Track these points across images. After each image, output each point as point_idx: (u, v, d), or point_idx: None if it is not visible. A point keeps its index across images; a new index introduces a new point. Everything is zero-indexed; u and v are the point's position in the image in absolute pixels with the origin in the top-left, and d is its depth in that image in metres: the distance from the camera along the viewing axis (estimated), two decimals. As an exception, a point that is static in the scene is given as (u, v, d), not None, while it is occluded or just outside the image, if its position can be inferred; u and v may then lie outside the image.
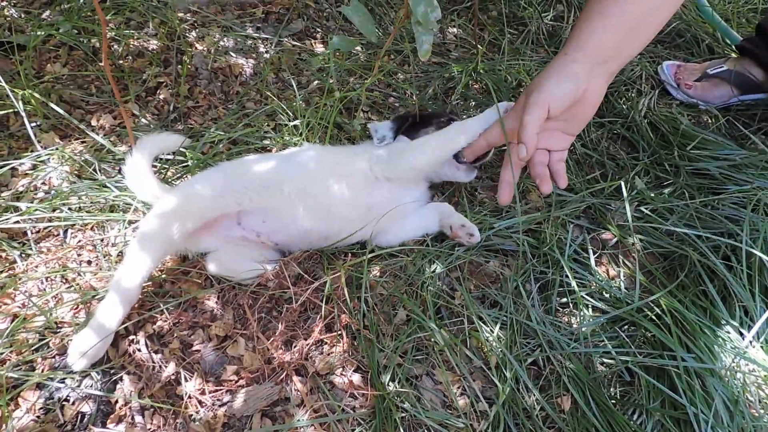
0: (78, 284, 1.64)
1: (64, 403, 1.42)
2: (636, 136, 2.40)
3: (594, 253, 1.88)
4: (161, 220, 1.59)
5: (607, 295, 1.78)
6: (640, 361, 1.58)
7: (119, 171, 1.90)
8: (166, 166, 1.96)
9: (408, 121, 1.99)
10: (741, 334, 1.61)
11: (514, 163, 1.65)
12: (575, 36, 1.56)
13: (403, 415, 1.49)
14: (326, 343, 1.62)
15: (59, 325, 1.55)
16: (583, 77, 1.51)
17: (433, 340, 1.63)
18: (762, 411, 1.49)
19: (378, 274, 1.80)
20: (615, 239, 1.96)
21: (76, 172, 1.90)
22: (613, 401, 1.54)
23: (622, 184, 2.04)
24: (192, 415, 1.44)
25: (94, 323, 1.48)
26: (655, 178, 2.24)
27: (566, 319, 1.74)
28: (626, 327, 1.70)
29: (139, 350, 1.55)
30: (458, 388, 1.57)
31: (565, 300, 1.78)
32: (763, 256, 1.71)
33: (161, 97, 2.21)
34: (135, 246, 1.56)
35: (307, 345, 1.59)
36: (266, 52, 2.50)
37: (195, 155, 1.96)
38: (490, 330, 1.68)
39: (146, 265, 1.54)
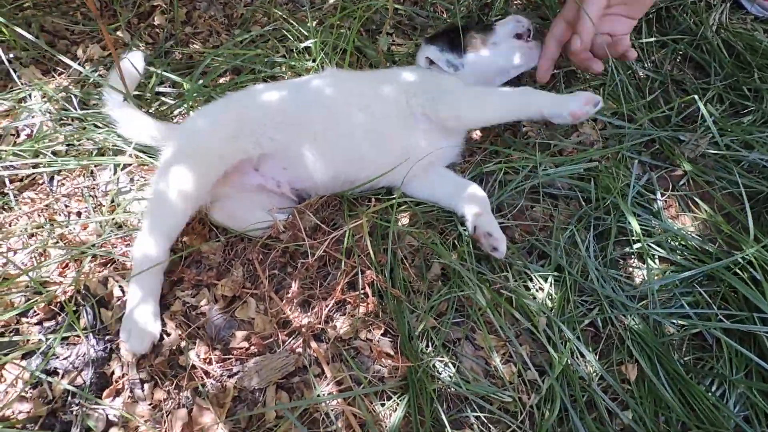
0: (66, 239, 1.44)
1: (50, 377, 1.24)
2: (706, 57, 2.04)
3: (662, 195, 1.59)
4: (176, 178, 1.37)
5: (678, 244, 1.50)
6: (720, 325, 1.33)
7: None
8: (165, 100, 1.71)
9: (456, 36, 1.68)
10: None
11: (568, 52, 1.65)
12: None
13: (440, 387, 1.28)
14: (349, 303, 1.40)
15: (46, 286, 1.36)
16: None
17: (473, 298, 1.40)
18: None
19: (407, 222, 1.56)
20: (686, 177, 1.66)
21: (61, 111, 1.66)
22: (687, 370, 1.30)
23: (700, 104, 1.71)
24: (198, 387, 1.25)
25: (135, 300, 1.31)
26: (730, 106, 1.90)
27: (629, 273, 1.49)
28: (703, 281, 1.43)
29: (136, 314, 1.35)
30: (503, 354, 1.35)
31: (627, 250, 1.51)
32: None
33: (156, 22, 1.94)
34: (153, 211, 1.38)
35: (327, 306, 1.37)
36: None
37: (195, 87, 1.69)
38: (539, 288, 1.43)
39: (170, 232, 1.38)
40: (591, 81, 1.92)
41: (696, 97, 1.73)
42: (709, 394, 1.27)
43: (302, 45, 1.82)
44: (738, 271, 1.39)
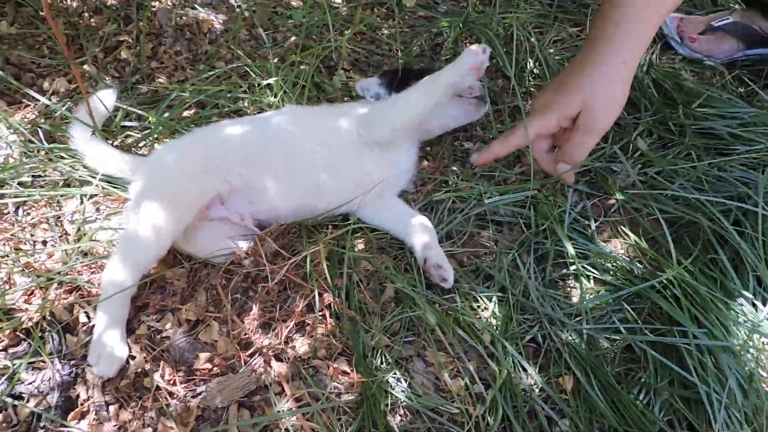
0: (32, 267, 1.48)
1: (16, 401, 1.28)
2: (637, 94, 2.23)
3: (595, 222, 1.74)
4: (150, 216, 1.43)
5: (610, 266, 1.65)
6: (646, 338, 1.47)
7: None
8: (130, 134, 1.78)
9: (398, 75, 1.80)
10: (755, 306, 1.50)
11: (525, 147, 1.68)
12: (616, 25, 1.45)
13: (393, 401, 1.37)
14: (308, 324, 1.49)
15: (10, 313, 1.40)
16: (628, 79, 1.50)
17: (423, 318, 1.50)
18: (777, 388, 1.39)
19: (362, 247, 1.66)
20: (617, 205, 1.82)
21: (27, 143, 1.71)
22: (617, 381, 1.43)
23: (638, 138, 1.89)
24: (162, 408, 1.31)
25: (103, 326, 1.36)
26: (658, 139, 2.09)
27: (566, 293, 1.62)
28: (632, 299, 1.58)
29: (102, 338, 1.40)
30: (452, 369, 1.45)
31: (564, 272, 1.65)
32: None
33: (122, 56, 2.01)
34: (126, 245, 1.45)
35: (287, 327, 1.45)
36: (238, 6, 2.29)
37: (161, 120, 1.77)
38: (484, 307, 1.55)
39: (143, 265, 1.45)
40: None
41: (633, 133, 1.91)
42: (637, 401, 1.39)
43: (264, 82, 1.93)
44: (661, 290, 1.53)
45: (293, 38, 2.15)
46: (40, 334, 1.36)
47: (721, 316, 1.44)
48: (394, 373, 1.40)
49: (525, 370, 1.44)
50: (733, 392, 1.35)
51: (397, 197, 1.75)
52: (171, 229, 1.46)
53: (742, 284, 1.52)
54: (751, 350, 1.43)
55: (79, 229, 1.57)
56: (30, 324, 1.38)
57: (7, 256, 1.48)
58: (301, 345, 1.44)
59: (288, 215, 1.63)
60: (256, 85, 1.95)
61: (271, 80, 1.91)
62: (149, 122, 1.77)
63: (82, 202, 1.59)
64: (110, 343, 1.34)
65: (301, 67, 1.99)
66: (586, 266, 1.64)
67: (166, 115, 1.80)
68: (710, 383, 1.35)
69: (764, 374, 1.42)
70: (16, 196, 1.58)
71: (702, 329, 1.43)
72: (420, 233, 1.60)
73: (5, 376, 1.31)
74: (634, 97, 2.24)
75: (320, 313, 1.48)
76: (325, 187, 1.62)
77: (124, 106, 1.79)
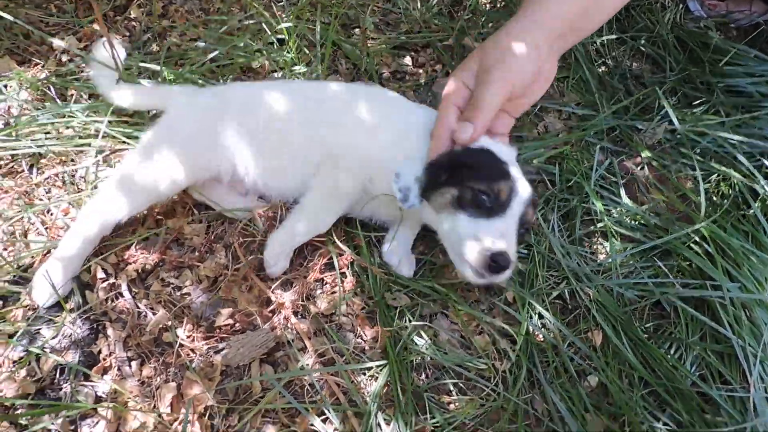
0: (47, 225, 1.46)
1: (39, 355, 1.26)
2: (662, 53, 2.17)
3: (622, 178, 1.69)
4: (163, 165, 1.40)
5: (637, 223, 1.61)
6: (677, 292, 1.43)
7: (89, 96, 1.69)
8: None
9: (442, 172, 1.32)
10: (789, 259, 1.46)
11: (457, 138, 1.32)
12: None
13: (418, 358, 1.34)
14: (327, 282, 1.46)
15: (28, 272, 1.38)
16: (544, 50, 1.28)
17: (446, 275, 1.47)
18: (814, 343, 1.35)
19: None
20: (644, 163, 1.77)
21: (38, 100, 1.67)
22: (647, 336, 1.40)
23: (659, 94, 1.80)
24: (186, 363, 1.29)
25: (58, 254, 1.34)
26: (684, 97, 2.03)
27: (593, 250, 1.58)
28: (661, 256, 1.54)
29: (121, 295, 1.38)
30: (476, 326, 1.42)
31: (592, 229, 1.61)
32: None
33: (132, 15, 1.96)
34: (113, 188, 1.39)
35: (307, 284, 1.42)
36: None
37: (176, 73, 1.72)
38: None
39: (123, 212, 1.39)
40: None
41: (656, 88, 1.85)
42: (668, 356, 1.36)
43: (278, 37, 1.88)
44: (692, 245, 1.49)
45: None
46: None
47: (755, 269, 1.40)
48: (418, 331, 1.37)
49: (546, 326, 1.41)
50: (768, 346, 1.32)
51: None
52: (178, 181, 1.42)
53: (776, 237, 1.48)
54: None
55: (94, 187, 1.53)
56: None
57: (22, 214, 1.45)
58: (323, 301, 1.41)
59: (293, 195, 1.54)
60: (272, 42, 1.90)
61: (284, 35, 1.86)
62: (163, 78, 1.72)
63: (96, 156, 1.55)
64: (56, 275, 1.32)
65: (317, 24, 1.93)
66: (613, 224, 1.60)
67: (180, 70, 1.76)
68: (745, 337, 1.32)
69: (799, 329, 1.38)
70: (29, 155, 1.54)
71: (735, 283, 1.39)
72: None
73: (25, 332, 1.29)
74: (658, 56, 2.18)
75: (341, 272, 1.44)
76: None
77: (137, 62, 1.74)
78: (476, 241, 1.21)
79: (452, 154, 1.32)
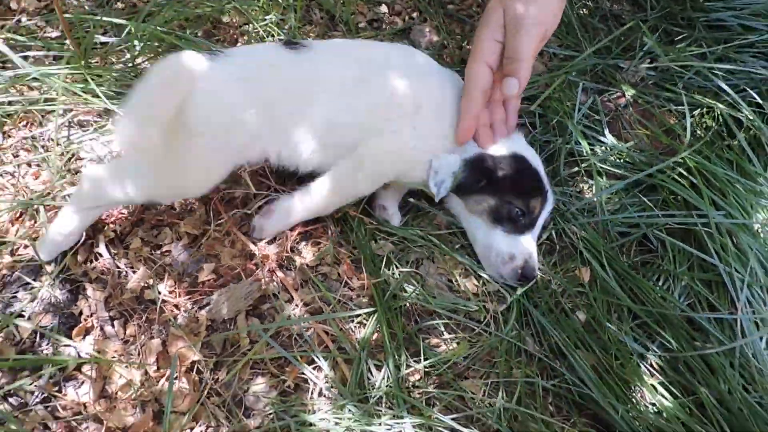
0: (18, 189, 1.41)
1: (18, 318, 1.23)
2: (642, -9, 2.13)
3: (606, 116, 1.67)
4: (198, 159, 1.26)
5: (622, 160, 1.59)
6: (664, 223, 1.42)
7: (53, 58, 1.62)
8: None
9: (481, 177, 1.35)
10: (775, 185, 1.46)
11: (495, 99, 1.35)
12: None
13: (407, 303, 1.33)
14: (312, 234, 1.43)
15: (1, 236, 1.33)
16: None
17: (432, 221, 1.45)
18: (800, 266, 1.36)
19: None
20: (626, 101, 1.75)
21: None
22: (635, 270, 1.40)
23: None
24: (170, 320, 1.26)
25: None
26: (666, 35, 2.00)
27: (579, 189, 1.57)
28: (646, 192, 1.52)
29: (101, 255, 1.34)
30: (463, 269, 1.41)
31: (576, 169, 1.59)
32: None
33: (93, -27, 1.87)
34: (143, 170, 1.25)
35: (291, 236, 1.40)
36: None
37: (142, 26, 1.65)
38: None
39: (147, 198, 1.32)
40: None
41: (639, 23, 1.81)
42: (656, 288, 1.36)
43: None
44: (677, 178, 1.48)
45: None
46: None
47: (740, 197, 1.40)
48: (407, 277, 1.36)
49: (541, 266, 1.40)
50: (755, 271, 1.32)
51: None
52: (213, 179, 1.30)
53: (761, 164, 1.47)
54: (773, 230, 1.39)
55: (65, 151, 1.48)
56: (23, 244, 1.31)
57: (-9, 179, 1.40)
58: (307, 253, 1.39)
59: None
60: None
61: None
62: (129, 32, 1.65)
63: (64, 116, 1.49)
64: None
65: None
66: (597, 162, 1.58)
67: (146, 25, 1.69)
68: (731, 263, 1.31)
69: (786, 253, 1.39)
70: (-6, 117, 1.48)
71: (720, 212, 1.39)
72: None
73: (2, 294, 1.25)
74: (638, -6, 2.13)
75: (323, 224, 1.42)
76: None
77: (98, 17, 1.66)
78: (511, 260, 1.33)
79: (493, 159, 1.34)
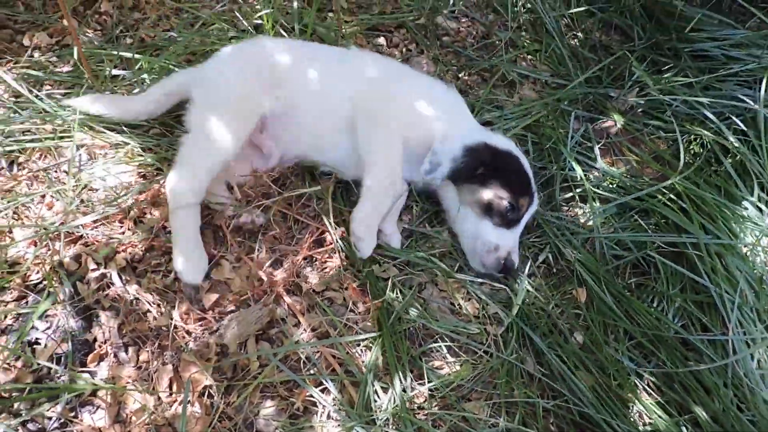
0: (31, 219, 1.45)
1: (34, 346, 1.26)
2: (629, 21, 2.22)
3: (598, 143, 1.74)
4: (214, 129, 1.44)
5: (615, 185, 1.66)
6: (656, 248, 1.48)
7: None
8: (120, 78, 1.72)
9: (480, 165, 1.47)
10: (760, 210, 1.52)
11: None
12: None
13: (410, 326, 1.37)
14: (317, 259, 1.48)
15: (14, 267, 1.37)
16: None
17: (434, 245, 1.51)
18: (787, 287, 1.41)
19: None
20: (617, 128, 1.82)
21: (13, 98, 1.66)
22: (629, 291, 1.45)
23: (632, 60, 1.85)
24: (182, 346, 1.30)
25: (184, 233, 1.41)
26: (653, 64, 2.08)
27: (574, 214, 1.63)
28: (638, 216, 1.59)
29: (113, 284, 1.38)
30: (465, 293, 1.46)
31: (570, 195, 1.65)
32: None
33: (102, 9, 1.95)
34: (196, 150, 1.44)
35: (298, 262, 1.44)
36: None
37: (153, 60, 1.72)
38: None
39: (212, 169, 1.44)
40: (527, 48, 2.07)
41: (627, 53, 1.89)
42: (651, 309, 1.41)
43: (255, 22, 1.88)
44: (668, 203, 1.54)
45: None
46: (53, 283, 1.33)
47: (727, 220, 1.46)
48: (410, 300, 1.40)
49: (534, 290, 1.45)
50: (745, 293, 1.37)
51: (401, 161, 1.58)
52: (233, 138, 1.45)
53: (747, 190, 1.54)
54: (760, 253, 1.45)
55: (75, 179, 1.53)
56: (41, 273, 1.35)
57: (6, 210, 1.45)
58: (314, 278, 1.44)
59: (310, 156, 1.61)
60: (244, 30, 1.90)
61: (262, 21, 1.86)
62: (140, 68, 1.72)
63: (78, 150, 1.55)
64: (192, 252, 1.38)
65: (289, 10, 1.94)
66: (591, 188, 1.64)
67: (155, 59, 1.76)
68: (721, 284, 1.37)
69: (773, 275, 1.44)
70: (7, 147, 1.53)
71: (709, 236, 1.45)
72: None
73: (20, 322, 1.29)
74: (625, 25, 2.23)
75: (330, 246, 1.47)
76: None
77: (114, 51, 1.73)
78: (495, 251, 1.44)
79: (492, 150, 1.47)
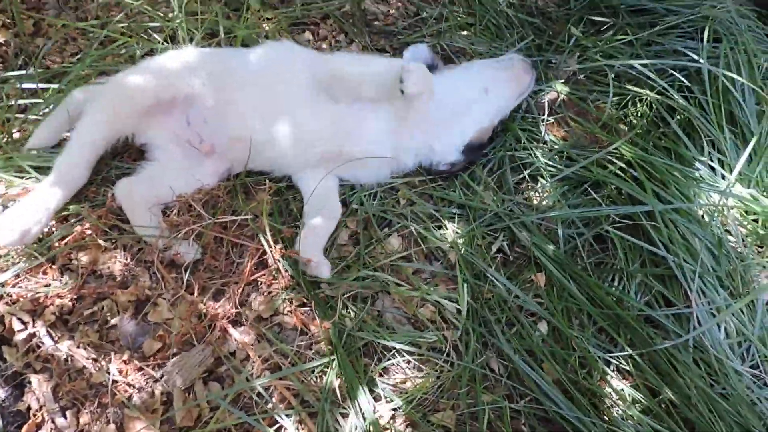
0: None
1: (-40, 426, 1.17)
2: (564, -18, 2.13)
3: (541, 118, 1.67)
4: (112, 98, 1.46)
5: (563, 159, 1.59)
6: (611, 222, 1.42)
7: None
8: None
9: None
10: (713, 169, 1.46)
11: None
12: None
13: (365, 342, 1.30)
14: (263, 282, 1.39)
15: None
16: None
17: (381, 251, 1.43)
18: (746, 248, 1.37)
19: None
20: (561, 97, 1.74)
21: None
22: (588, 274, 1.39)
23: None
24: (124, 401, 1.21)
25: (28, 200, 1.35)
26: (592, 24, 2.01)
27: (527, 197, 1.56)
28: (593, 189, 1.52)
29: (42, 343, 1.28)
30: (420, 299, 1.39)
31: (521, 176, 1.58)
32: (725, 77, 1.53)
33: (1, 40, 1.79)
34: (84, 128, 1.43)
35: (239, 290, 1.36)
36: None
37: (54, 94, 1.59)
38: (442, 226, 1.48)
39: (95, 150, 1.44)
40: (460, 22, 1.97)
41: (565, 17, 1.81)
42: (612, 288, 1.36)
43: (169, 26, 1.75)
44: (618, 172, 1.48)
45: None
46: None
47: (681, 185, 1.40)
48: (361, 315, 1.33)
49: (491, 283, 1.38)
50: (706, 263, 1.32)
51: (336, 181, 1.55)
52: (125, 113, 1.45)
53: (697, 149, 1.48)
54: (716, 215, 1.40)
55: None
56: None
57: None
58: (259, 304, 1.35)
59: (240, 150, 1.51)
60: (159, 42, 1.77)
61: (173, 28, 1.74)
62: (46, 98, 1.59)
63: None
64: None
65: (204, 16, 1.81)
66: (543, 165, 1.57)
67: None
68: (679, 254, 1.32)
69: (732, 237, 1.39)
70: None
71: (665, 205, 1.39)
72: (315, 219, 1.44)
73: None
74: (560, -14, 2.14)
75: (274, 267, 1.38)
76: (282, 134, 1.50)
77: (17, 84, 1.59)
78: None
79: None
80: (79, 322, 1.32)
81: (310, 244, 1.39)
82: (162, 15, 1.82)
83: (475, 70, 1.61)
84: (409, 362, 1.28)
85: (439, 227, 1.48)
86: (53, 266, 1.38)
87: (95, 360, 1.26)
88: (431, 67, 1.54)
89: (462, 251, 1.40)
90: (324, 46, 1.90)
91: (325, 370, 1.26)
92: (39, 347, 1.28)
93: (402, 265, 1.42)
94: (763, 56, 1.67)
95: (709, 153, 1.49)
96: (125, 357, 1.27)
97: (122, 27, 1.78)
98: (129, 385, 1.24)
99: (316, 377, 1.26)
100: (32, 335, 1.29)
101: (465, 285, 1.34)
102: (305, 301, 1.36)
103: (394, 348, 1.29)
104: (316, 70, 1.51)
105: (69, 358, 1.27)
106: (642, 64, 1.65)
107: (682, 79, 1.61)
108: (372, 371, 1.26)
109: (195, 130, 1.52)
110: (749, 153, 1.46)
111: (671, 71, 1.63)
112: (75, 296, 1.35)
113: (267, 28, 1.86)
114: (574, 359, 1.25)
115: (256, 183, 1.57)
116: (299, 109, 1.50)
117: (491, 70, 1.60)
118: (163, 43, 1.75)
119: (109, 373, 1.24)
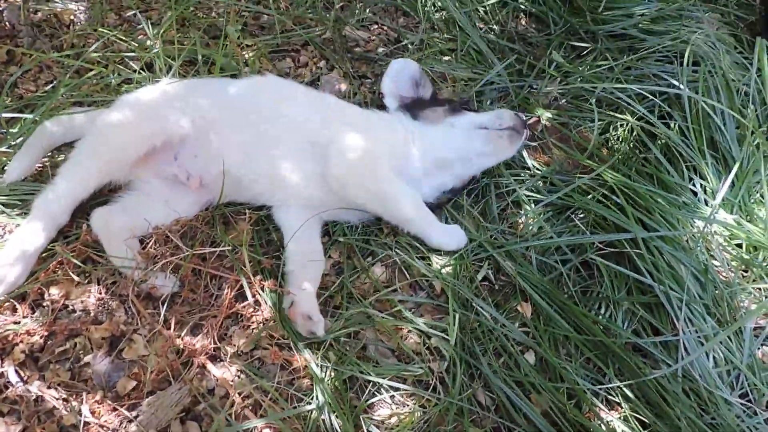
0: None
1: None
2: (544, 9, 2.15)
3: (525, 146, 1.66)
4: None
5: (547, 184, 1.58)
6: (596, 250, 1.41)
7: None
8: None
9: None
10: (694, 193, 1.46)
11: None
12: None
13: (350, 377, 1.26)
14: (243, 315, 1.35)
15: None
16: None
17: (365, 282, 1.40)
18: (732, 274, 1.36)
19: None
20: (542, 123, 1.74)
21: None
22: (575, 302, 1.37)
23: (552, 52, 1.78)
24: (97, 443, 1.16)
25: (10, 245, 1.31)
26: (572, 49, 2.02)
27: (512, 223, 1.54)
28: (576, 217, 1.51)
29: (11, 384, 1.22)
30: (407, 330, 1.35)
31: (505, 202, 1.57)
32: (705, 103, 1.54)
33: (-26, 69, 1.76)
34: (73, 172, 1.40)
35: (218, 323, 1.31)
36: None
37: (28, 126, 1.55)
38: (425, 257, 1.45)
39: (83, 194, 1.40)
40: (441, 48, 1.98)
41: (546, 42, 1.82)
42: (599, 316, 1.34)
43: (146, 56, 1.73)
44: (601, 198, 1.47)
45: (168, 13, 1.92)
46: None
47: (665, 213, 1.40)
48: (345, 348, 1.29)
49: (477, 313, 1.35)
50: (692, 289, 1.31)
51: (319, 220, 1.52)
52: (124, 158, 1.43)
53: (678, 174, 1.48)
54: (700, 242, 1.39)
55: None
56: None
57: None
58: (239, 338, 1.31)
59: (229, 183, 1.49)
60: (136, 70, 1.74)
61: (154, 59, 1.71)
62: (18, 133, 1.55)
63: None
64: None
65: (184, 43, 1.79)
66: (523, 192, 1.56)
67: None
68: (665, 281, 1.31)
69: (717, 263, 1.39)
70: None
71: (648, 232, 1.38)
72: (305, 269, 1.40)
73: None
74: (540, 13, 2.16)
75: (253, 299, 1.34)
76: (268, 173, 1.50)
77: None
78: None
79: None
80: (50, 361, 1.27)
81: (305, 301, 1.34)
82: (138, 44, 1.79)
83: (463, 137, 1.55)
84: (393, 397, 1.24)
85: (422, 258, 1.45)
86: (23, 302, 1.33)
87: (66, 400, 1.21)
88: (416, 102, 1.60)
89: (448, 280, 1.38)
90: (305, 72, 1.89)
91: (309, 406, 1.21)
92: (7, 387, 1.22)
93: (387, 297, 1.38)
94: (741, 80, 1.69)
95: (691, 179, 1.49)
96: (98, 397, 1.22)
97: (97, 56, 1.75)
98: (102, 426, 1.19)
99: (300, 416, 1.21)
100: (0, 375, 1.24)
101: (455, 314, 1.31)
102: (286, 334, 1.32)
103: (380, 383, 1.25)
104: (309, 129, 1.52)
105: (39, 399, 1.21)
106: (622, 89, 1.66)
107: (663, 104, 1.62)
108: (357, 408, 1.22)
109: (183, 167, 1.50)
110: (731, 179, 1.46)
111: (651, 97, 1.64)
112: (46, 333, 1.30)
113: (247, 56, 1.84)
114: (562, 391, 1.22)
115: (236, 212, 1.54)
116: (290, 150, 1.50)
117: (479, 142, 1.53)
118: (139, 72, 1.72)
119: (80, 415, 1.18)
